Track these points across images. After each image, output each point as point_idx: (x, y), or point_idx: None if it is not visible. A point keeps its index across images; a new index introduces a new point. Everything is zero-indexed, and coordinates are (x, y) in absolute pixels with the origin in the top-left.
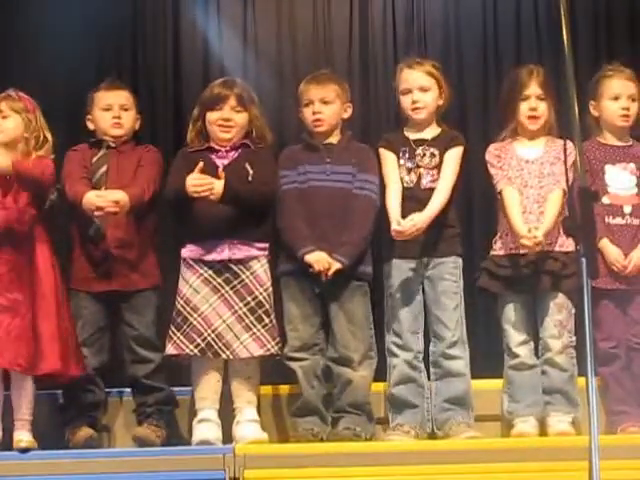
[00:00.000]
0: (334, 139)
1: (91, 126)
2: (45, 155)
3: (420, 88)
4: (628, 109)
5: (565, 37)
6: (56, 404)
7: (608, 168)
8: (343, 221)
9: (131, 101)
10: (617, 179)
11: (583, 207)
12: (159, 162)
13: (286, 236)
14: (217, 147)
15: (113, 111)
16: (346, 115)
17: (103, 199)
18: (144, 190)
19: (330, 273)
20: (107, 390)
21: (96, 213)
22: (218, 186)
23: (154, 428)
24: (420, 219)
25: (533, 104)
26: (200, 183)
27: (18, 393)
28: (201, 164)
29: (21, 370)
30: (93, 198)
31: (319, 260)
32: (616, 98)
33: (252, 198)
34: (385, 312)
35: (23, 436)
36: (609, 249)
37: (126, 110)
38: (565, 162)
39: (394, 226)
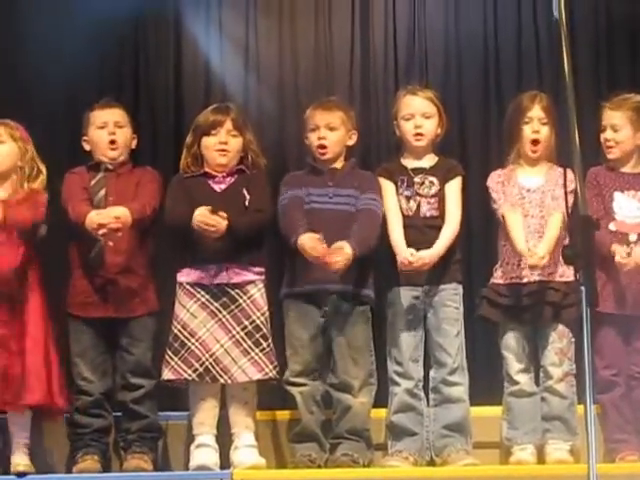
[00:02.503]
0: (338, 165)
1: (87, 147)
2: (38, 188)
3: (423, 114)
4: (609, 140)
5: (566, 64)
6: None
7: (617, 195)
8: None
9: (126, 119)
10: (625, 206)
11: (583, 235)
12: (158, 181)
13: (284, 228)
14: (213, 173)
15: (108, 128)
16: (350, 142)
17: (104, 216)
18: (145, 205)
19: (340, 258)
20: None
21: (99, 231)
22: (222, 226)
23: (139, 455)
24: (429, 255)
25: (536, 127)
26: (209, 222)
27: (14, 418)
28: (210, 208)
29: (7, 408)
30: (94, 217)
31: (313, 247)
32: (603, 130)
33: (250, 230)
34: (387, 340)
35: (20, 460)
36: (619, 250)
37: (121, 127)
38: (565, 189)
39: (406, 255)
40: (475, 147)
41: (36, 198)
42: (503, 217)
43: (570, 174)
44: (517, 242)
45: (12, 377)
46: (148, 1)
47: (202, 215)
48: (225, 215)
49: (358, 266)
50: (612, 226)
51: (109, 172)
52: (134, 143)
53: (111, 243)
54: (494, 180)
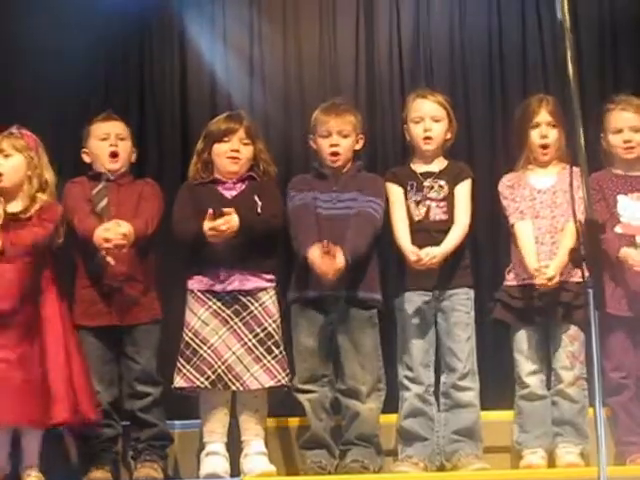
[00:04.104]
0: (344, 168)
1: (87, 159)
2: (52, 201)
3: (432, 118)
4: (630, 141)
5: (571, 67)
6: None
7: (621, 198)
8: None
9: (127, 132)
10: (629, 209)
11: (590, 239)
12: (160, 196)
13: (295, 237)
14: (223, 179)
15: (110, 140)
16: (358, 147)
17: (111, 232)
18: (147, 225)
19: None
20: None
21: (104, 245)
22: (234, 221)
23: (149, 464)
24: (439, 251)
25: (544, 131)
26: (220, 229)
27: (26, 432)
28: (211, 211)
29: (31, 425)
30: (102, 233)
31: (321, 262)
32: (619, 131)
33: (268, 232)
34: (397, 345)
35: (31, 472)
36: (629, 252)
37: (122, 140)
38: (571, 188)
39: (414, 250)
40: (482, 150)
41: (48, 213)
42: (513, 227)
43: (577, 174)
44: (528, 259)
45: (35, 396)
46: (152, 12)
47: (209, 227)
48: (231, 210)
49: (364, 270)
50: (618, 229)
51: (110, 182)
52: (134, 156)
53: (112, 262)
54: (504, 185)
